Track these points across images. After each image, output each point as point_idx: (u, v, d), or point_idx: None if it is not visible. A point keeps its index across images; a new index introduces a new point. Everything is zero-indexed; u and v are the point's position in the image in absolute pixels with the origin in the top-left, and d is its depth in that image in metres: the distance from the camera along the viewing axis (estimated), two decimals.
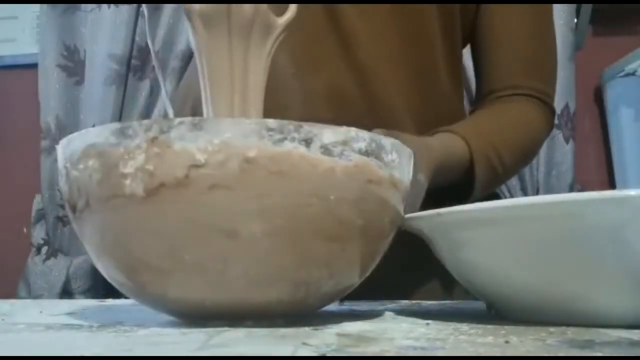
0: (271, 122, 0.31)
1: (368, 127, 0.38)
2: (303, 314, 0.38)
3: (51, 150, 1.62)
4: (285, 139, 0.31)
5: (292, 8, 0.43)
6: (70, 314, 0.42)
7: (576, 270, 0.32)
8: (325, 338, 0.30)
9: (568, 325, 0.33)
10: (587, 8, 1.58)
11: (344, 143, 0.32)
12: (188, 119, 0.31)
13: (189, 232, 0.32)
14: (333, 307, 0.48)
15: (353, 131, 0.33)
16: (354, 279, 0.37)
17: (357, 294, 0.42)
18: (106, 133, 0.32)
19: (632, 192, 0.30)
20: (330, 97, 0.63)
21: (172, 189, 0.31)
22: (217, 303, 0.34)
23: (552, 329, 0.32)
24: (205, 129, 0.31)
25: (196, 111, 0.63)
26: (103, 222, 0.33)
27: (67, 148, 0.35)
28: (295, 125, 0.31)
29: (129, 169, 0.31)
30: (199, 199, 0.31)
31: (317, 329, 0.33)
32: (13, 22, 1.84)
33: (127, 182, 0.31)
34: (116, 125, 0.32)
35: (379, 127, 0.52)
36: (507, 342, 0.28)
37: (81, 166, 0.33)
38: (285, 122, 0.31)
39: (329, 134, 0.32)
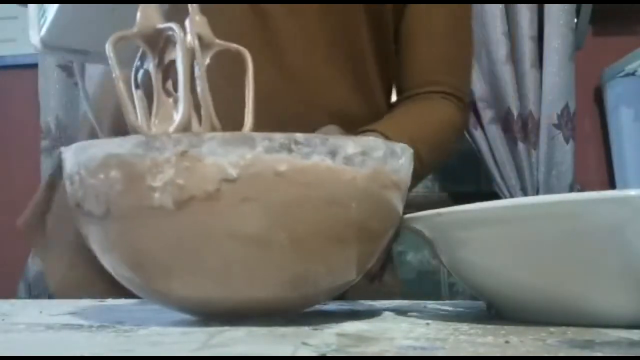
0: (299, 137, 0.32)
1: (295, 128, 0.39)
2: (301, 310, 0.39)
3: (51, 150, 1.62)
4: (313, 152, 0.32)
5: None
6: (70, 314, 0.42)
7: (576, 270, 0.32)
8: (325, 338, 0.30)
9: (568, 325, 0.33)
10: (587, 8, 1.59)
11: (364, 153, 0.33)
12: (219, 133, 0.32)
13: (216, 241, 0.32)
14: (333, 307, 0.48)
15: (372, 141, 0.34)
16: (353, 277, 0.37)
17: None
18: (129, 144, 0.32)
19: (632, 192, 0.30)
20: (258, 99, 0.62)
21: (202, 201, 0.31)
22: (220, 299, 0.34)
23: (552, 329, 0.32)
24: (236, 143, 0.31)
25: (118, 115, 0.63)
26: (128, 231, 0.34)
27: (81, 154, 0.35)
28: (321, 139, 0.33)
29: (157, 182, 0.32)
30: (230, 211, 0.32)
31: (317, 329, 0.33)
32: (13, 22, 1.84)
33: (156, 195, 0.32)
34: (140, 137, 0.32)
35: (305, 126, 0.52)
36: (507, 342, 0.28)
37: (101, 175, 0.33)
38: (312, 135, 0.32)
39: (352, 146, 0.33)
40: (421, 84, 0.70)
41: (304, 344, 0.28)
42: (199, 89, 0.40)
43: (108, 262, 0.36)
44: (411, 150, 0.38)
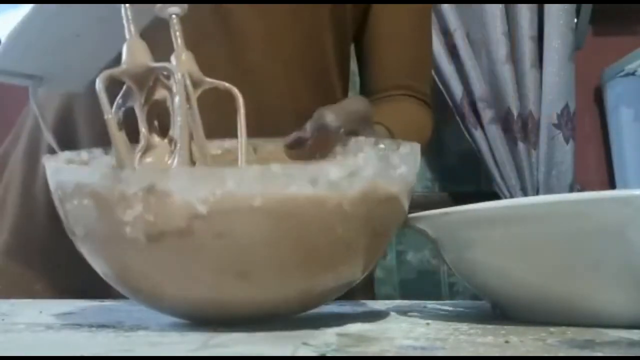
0: (275, 168, 0.30)
1: (254, 127, 0.40)
2: (304, 311, 0.38)
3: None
4: (290, 182, 0.30)
5: None
6: (70, 314, 0.42)
7: (578, 270, 0.32)
8: (325, 338, 0.30)
9: (568, 325, 0.33)
10: (587, 8, 1.59)
11: (352, 174, 0.32)
12: (187, 169, 0.31)
13: (194, 274, 0.32)
14: (333, 307, 0.48)
15: (360, 159, 0.33)
16: (357, 276, 0.37)
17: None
18: (97, 175, 0.32)
19: (634, 192, 0.30)
20: (217, 100, 0.62)
21: (175, 236, 0.31)
22: (217, 303, 0.34)
23: (552, 329, 0.32)
24: (205, 180, 0.30)
25: (65, 111, 0.62)
26: (108, 254, 0.34)
27: (56, 176, 0.34)
28: (299, 168, 0.31)
29: (127, 217, 0.31)
30: (204, 246, 0.31)
31: (317, 329, 0.33)
32: None
33: (128, 229, 0.31)
34: (107, 169, 0.32)
35: (264, 126, 0.51)
36: (507, 342, 0.28)
37: (75, 202, 0.33)
38: (288, 165, 0.31)
39: (335, 170, 0.31)
40: (388, 87, 0.70)
41: (304, 344, 0.28)
42: (194, 132, 0.40)
43: (88, 257, 0.36)
44: (417, 150, 0.37)
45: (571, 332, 0.31)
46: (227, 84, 0.44)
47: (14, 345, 0.29)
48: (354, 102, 0.52)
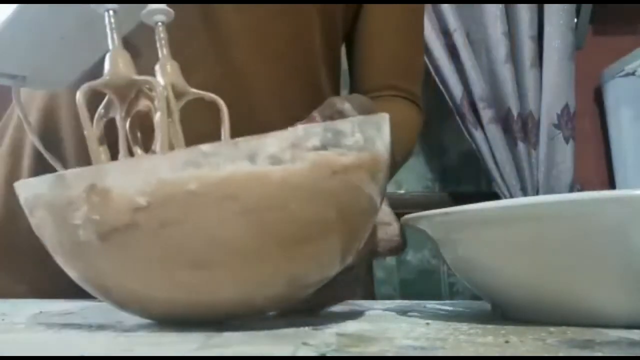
0: (206, 148, 0.29)
1: (242, 128, 0.39)
2: (285, 302, 0.37)
3: None
4: (226, 160, 0.29)
5: None
6: (70, 314, 0.42)
7: (578, 270, 0.32)
8: (325, 338, 0.30)
9: (568, 325, 0.33)
10: (587, 8, 1.59)
11: (294, 146, 0.30)
12: (120, 162, 0.31)
13: (153, 268, 0.31)
14: (333, 306, 0.48)
15: (301, 130, 0.30)
16: (334, 257, 0.35)
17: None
18: (45, 184, 0.32)
19: (635, 192, 0.30)
20: (204, 108, 0.61)
21: (124, 232, 0.30)
22: (184, 298, 0.33)
23: (552, 329, 0.32)
24: (139, 169, 0.30)
25: (47, 106, 0.62)
26: (74, 265, 0.34)
27: (20, 195, 0.35)
28: (232, 145, 0.29)
29: (77, 220, 0.31)
30: (153, 238, 0.30)
31: (317, 329, 0.33)
32: None
33: (80, 232, 0.31)
34: (51, 176, 0.32)
35: (252, 125, 0.50)
36: (507, 342, 0.28)
37: (34, 217, 0.33)
38: (220, 143, 0.29)
39: (274, 143, 0.30)
40: (378, 87, 0.70)
41: (304, 344, 0.28)
42: (175, 146, 0.39)
43: (62, 263, 0.36)
44: (379, 119, 0.35)
45: (571, 332, 0.31)
46: (212, 95, 0.43)
47: (14, 345, 0.29)
48: (358, 96, 0.52)
